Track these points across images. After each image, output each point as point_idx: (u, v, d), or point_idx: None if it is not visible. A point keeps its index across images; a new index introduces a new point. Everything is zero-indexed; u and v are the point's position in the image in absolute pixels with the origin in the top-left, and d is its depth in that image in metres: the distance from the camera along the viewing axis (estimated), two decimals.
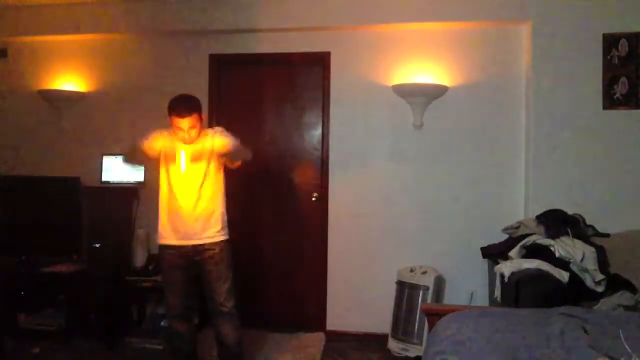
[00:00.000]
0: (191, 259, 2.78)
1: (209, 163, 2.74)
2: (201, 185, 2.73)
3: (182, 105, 2.63)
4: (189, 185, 2.73)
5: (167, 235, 2.77)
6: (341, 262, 3.80)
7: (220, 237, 2.79)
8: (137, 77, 4.04)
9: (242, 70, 4.02)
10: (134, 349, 3.52)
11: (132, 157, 2.91)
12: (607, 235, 3.05)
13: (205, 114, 3.13)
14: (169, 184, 2.76)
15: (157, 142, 2.75)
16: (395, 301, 3.54)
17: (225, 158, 2.77)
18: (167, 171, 2.76)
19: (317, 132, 3.88)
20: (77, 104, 4.11)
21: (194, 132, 2.67)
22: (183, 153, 2.70)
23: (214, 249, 2.76)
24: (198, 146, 2.72)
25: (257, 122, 3.98)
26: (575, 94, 3.40)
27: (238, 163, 2.82)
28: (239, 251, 3.93)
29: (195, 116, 2.64)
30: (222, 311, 2.78)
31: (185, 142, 2.69)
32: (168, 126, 2.73)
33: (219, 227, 2.79)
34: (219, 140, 2.69)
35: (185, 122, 2.62)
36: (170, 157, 2.75)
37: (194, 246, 2.76)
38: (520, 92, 3.59)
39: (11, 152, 4.15)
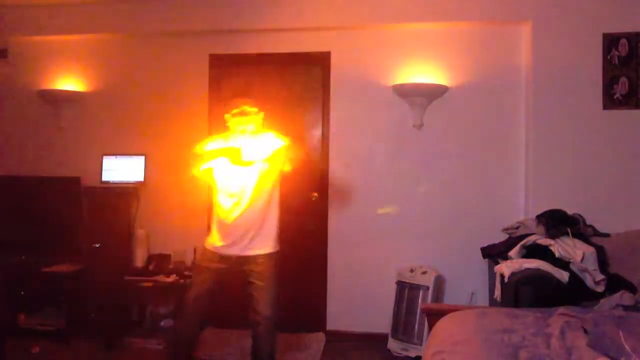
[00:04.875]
0: (233, 266, 2.70)
1: (264, 170, 2.64)
2: (253, 193, 2.64)
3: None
4: (239, 193, 2.65)
5: (214, 241, 2.70)
6: (341, 262, 3.80)
7: (268, 249, 2.70)
8: (137, 77, 4.04)
9: (242, 70, 4.01)
10: (134, 349, 3.52)
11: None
12: (607, 235, 3.05)
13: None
14: (219, 189, 2.70)
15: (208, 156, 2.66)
16: (395, 301, 3.54)
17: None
18: (218, 177, 2.70)
19: (317, 132, 3.88)
20: (77, 104, 4.10)
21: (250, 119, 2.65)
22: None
23: (259, 262, 2.67)
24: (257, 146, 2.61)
25: None
26: (575, 94, 3.40)
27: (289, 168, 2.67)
28: None
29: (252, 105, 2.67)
30: (259, 321, 2.68)
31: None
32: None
33: (268, 239, 2.70)
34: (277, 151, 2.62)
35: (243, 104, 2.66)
36: (223, 161, 2.66)
37: (239, 256, 2.67)
38: (520, 92, 3.59)
39: (11, 152, 4.15)
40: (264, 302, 2.67)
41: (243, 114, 2.64)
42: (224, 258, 2.69)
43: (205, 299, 2.74)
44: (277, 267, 2.73)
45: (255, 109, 2.67)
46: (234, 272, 2.72)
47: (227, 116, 2.69)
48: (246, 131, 2.66)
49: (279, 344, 3.50)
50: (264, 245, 2.69)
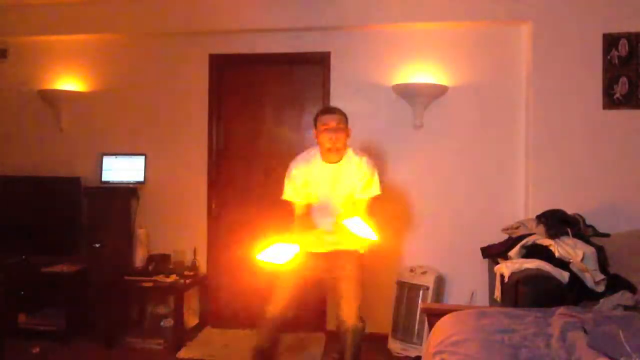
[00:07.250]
0: (320, 271, 2.79)
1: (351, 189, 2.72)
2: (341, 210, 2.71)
3: (330, 107, 2.92)
4: (330, 210, 2.73)
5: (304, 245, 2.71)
6: None
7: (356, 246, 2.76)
8: (137, 77, 4.04)
9: (242, 70, 4.01)
10: (134, 349, 3.52)
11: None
12: (607, 235, 3.05)
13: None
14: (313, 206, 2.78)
15: (301, 182, 2.72)
16: (395, 301, 3.54)
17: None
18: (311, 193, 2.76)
19: None
20: (77, 104, 4.10)
21: (341, 138, 2.63)
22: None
23: (345, 259, 2.75)
24: (343, 167, 2.70)
25: (256, 122, 3.98)
26: (575, 94, 3.40)
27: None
28: (238, 251, 3.94)
29: (343, 119, 2.67)
30: (343, 328, 2.77)
31: (331, 146, 2.62)
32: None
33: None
34: (363, 179, 2.69)
35: (333, 118, 2.64)
36: (313, 181, 2.73)
37: (326, 255, 2.74)
38: (520, 92, 3.59)
39: (11, 152, 4.15)
40: (348, 307, 2.74)
41: (333, 131, 2.62)
42: (310, 258, 2.72)
43: (287, 303, 2.80)
44: (361, 269, 2.83)
45: (343, 125, 2.67)
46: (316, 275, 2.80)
47: (315, 131, 2.73)
48: (334, 149, 2.63)
49: (280, 344, 3.52)
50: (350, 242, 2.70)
